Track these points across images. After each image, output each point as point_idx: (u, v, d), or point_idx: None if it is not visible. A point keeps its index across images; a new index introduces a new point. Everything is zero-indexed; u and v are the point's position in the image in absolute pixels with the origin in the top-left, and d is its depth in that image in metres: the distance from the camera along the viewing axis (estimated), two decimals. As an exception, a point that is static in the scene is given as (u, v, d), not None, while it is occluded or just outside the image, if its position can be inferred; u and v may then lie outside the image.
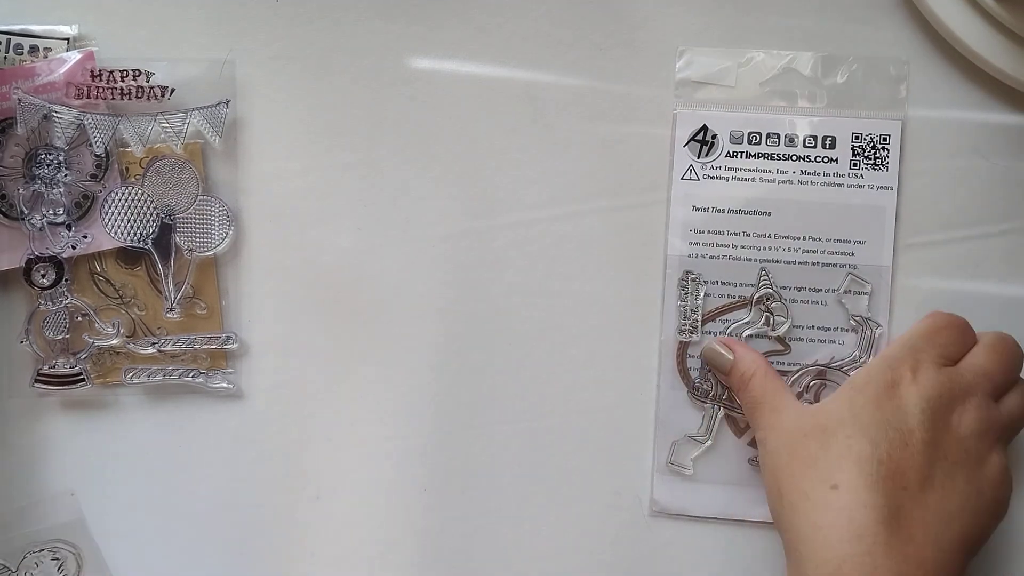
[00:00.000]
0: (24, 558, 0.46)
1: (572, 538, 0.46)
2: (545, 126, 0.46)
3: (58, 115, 0.45)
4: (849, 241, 0.45)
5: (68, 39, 0.46)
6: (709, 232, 0.45)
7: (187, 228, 0.46)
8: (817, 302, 0.45)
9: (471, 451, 0.47)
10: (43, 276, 0.46)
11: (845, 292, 0.45)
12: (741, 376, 0.43)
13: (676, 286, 0.46)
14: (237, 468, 0.47)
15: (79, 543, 0.47)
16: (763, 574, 0.46)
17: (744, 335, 0.45)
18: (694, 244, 0.46)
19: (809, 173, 0.45)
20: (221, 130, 0.46)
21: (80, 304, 0.46)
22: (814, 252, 0.45)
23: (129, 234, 0.46)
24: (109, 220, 0.46)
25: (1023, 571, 0.45)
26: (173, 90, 0.46)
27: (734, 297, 0.46)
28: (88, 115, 0.45)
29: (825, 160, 0.45)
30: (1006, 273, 0.45)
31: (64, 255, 0.46)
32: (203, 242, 0.46)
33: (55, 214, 0.46)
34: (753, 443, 0.45)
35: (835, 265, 0.45)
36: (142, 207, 0.46)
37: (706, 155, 0.46)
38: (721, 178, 0.46)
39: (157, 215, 0.46)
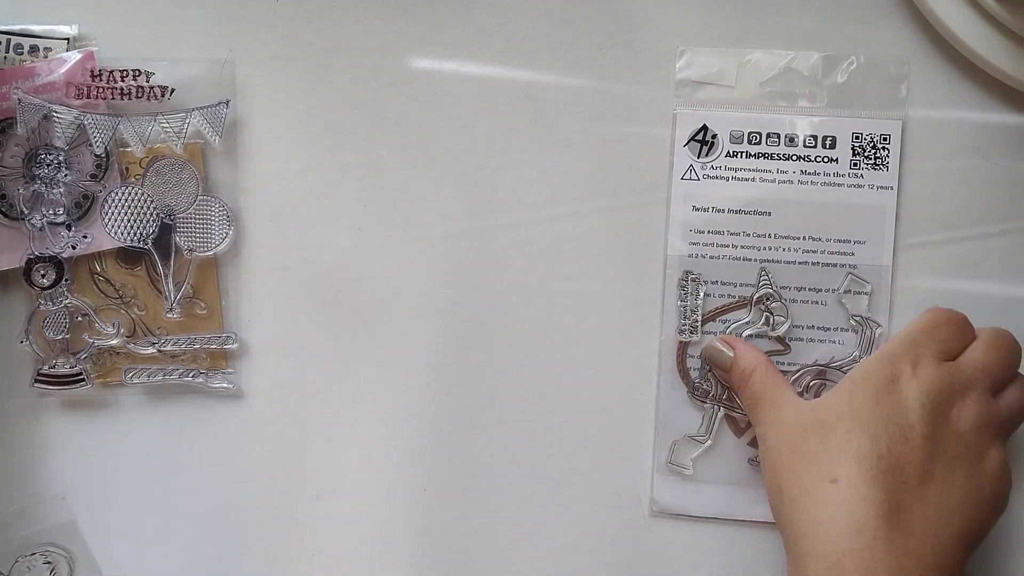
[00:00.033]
0: (16, 562, 0.46)
1: (572, 538, 0.46)
2: (545, 126, 0.46)
3: (58, 115, 0.45)
4: (849, 241, 0.45)
5: (68, 39, 0.46)
6: (709, 232, 0.45)
7: (187, 228, 0.46)
8: (817, 302, 0.45)
9: (471, 451, 0.47)
10: (43, 276, 0.46)
11: (845, 292, 0.45)
12: (742, 373, 0.43)
13: (676, 286, 0.46)
14: (237, 468, 0.47)
15: (71, 546, 0.47)
16: (763, 574, 0.46)
17: (744, 335, 0.45)
18: (694, 244, 0.46)
19: (809, 173, 0.45)
20: (221, 130, 0.46)
21: (80, 304, 0.46)
22: (814, 252, 0.45)
23: (129, 234, 0.46)
24: (109, 220, 0.46)
25: (1023, 566, 0.45)
26: (173, 90, 0.46)
27: (734, 297, 0.46)
28: (88, 115, 0.45)
29: (825, 160, 0.45)
30: (1006, 273, 0.45)
31: (64, 255, 0.46)
32: (203, 242, 0.46)
33: (55, 214, 0.46)
34: (753, 443, 0.45)
35: (835, 265, 0.45)
36: (142, 207, 0.46)
37: (706, 155, 0.46)
38: (721, 178, 0.46)
39: (157, 215, 0.46)
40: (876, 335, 0.45)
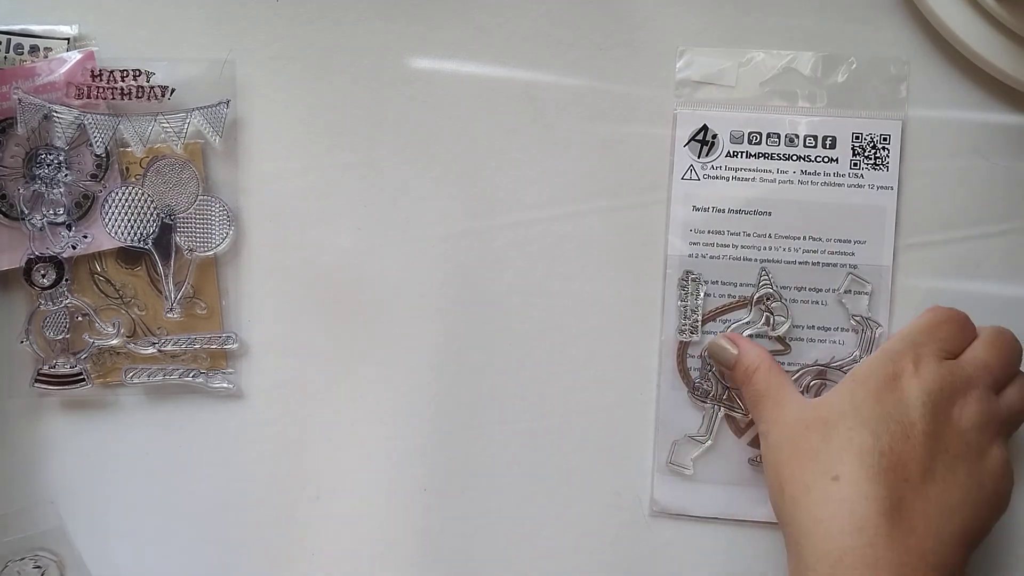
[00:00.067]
0: (6, 567, 0.46)
1: (572, 538, 0.46)
2: (545, 126, 0.46)
3: (58, 115, 0.45)
4: (849, 241, 0.45)
5: (68, 39, 0.46)
6: (709, 232, 0.45)
7: (187, 228, 0.46)
8: (817, 302, 0.45)
9: (471, 451, 0.47)
10: (43, 276, 0.46)
11: (845, 292, 0.45)
12: (745, 370, 0.43)
13: (676, 286, 0.46)
14: (237, 468, 0.47)
15: (60, 551, 0.47)
16: (764, 574, 0.46)
17: (744, 335, 0.45)
18: (694, 244, 0.46)
19: (809, 173, 0.45)
20: (221, 130, 0.46)
21: (80, 304, 0.46)
22: (814, 252, 0.45)
23: (129, 234, 0.46)
24: (109, 220, 0.46)
25: (1023, 565, 0.45)
26: (173, 90, 0.46)
27: (734, 297, 0.46)
28: (88, 115, 0.45)
29: (825, 160, 0.45)
30: (1006, 273, 0.45)
31: (64, 255, 0.46)
32: (203, 242, 0.46)
33: (55, 214, 0.46)
34: (753, 443, 0.45)
35: (835, 265, 0.45)
36: (142, 207, 0.46)
37: (706, 155, 0.46)
38: (721, 178, 0.46)
39: (157, 215, 0.46)
40: (876, 335, 0.45)
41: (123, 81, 0.45)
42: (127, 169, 0.46)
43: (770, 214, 0.45)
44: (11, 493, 0.47)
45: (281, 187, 0.47)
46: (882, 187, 0.45)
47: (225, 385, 0.47)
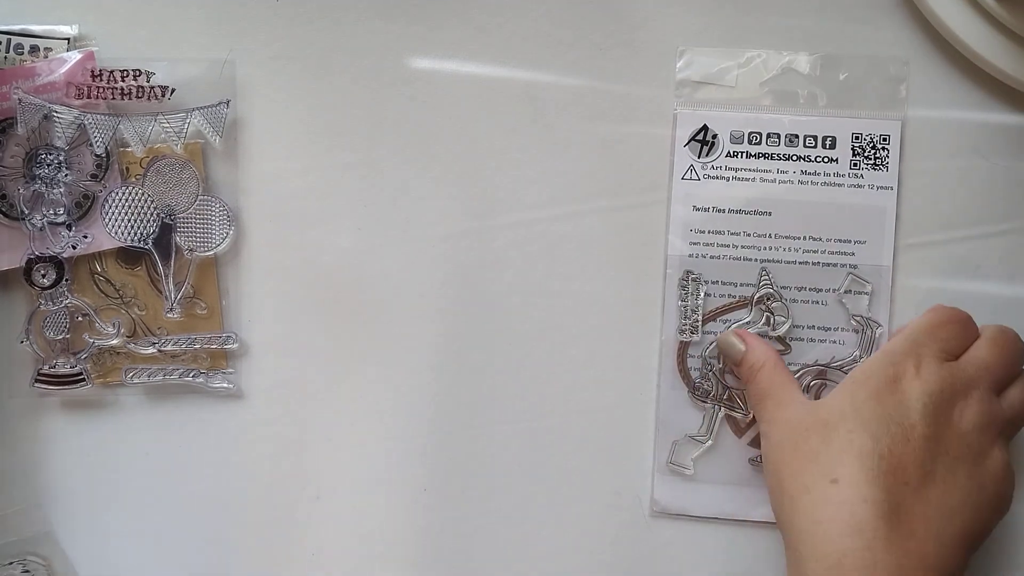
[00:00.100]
0: None
1: (572, 538, 0.46)
2: (545, 126, 0.46)
3: (58, 115, 0.45)
4: (849, 241, 0.45)
5: (68, 39, 0.46)
6: (709, 232, 0.45)
7: (187, 228, 0.46)
8: (817, 302, 0.45)
9: (471, 451, 0.47)
10: (43, 276, 0.46)
11: (845, 292, 0.45)
12: (751, 367, 0.43)
13: (676, 286, 0.46)
14: (237, 468, 0.47)
15: (49, 555, 0.46)
16: (764, 574, 0.46)
17: (744, 335, 0.45)
18: (694, 244, 0.46)
19: (809, 173, 0.45)
20: (221, 130, 0.46)
21: (80, 304, 0.46)
22: (814, 252, 0.45)
23: (129, 234, 0.46)
24: (109, 220, 0.46)
25: (1023, 566, 0.45)
26: (173, 90, 0.46)
27: (734, 297, 0.46)
28: (88, 115, 0.45)
29: (825, 160, 0.45)
30: (1006, 273, 0.45)
31: (64, 255, 0.46)
32: (203, 242, 0.46)
33: (55, 214, 0.46)
34: (754, 443, 0.45)
35: (835, 265, 0.45)
36: (142, 207, 0.46)
37: (706, 155, 0.46)
38: (721, 178, 0.46)
39: (157, 215, 0.46)
40: (876, 335, 0.45)
41: (123, 81, 0.45)
42: (127, 169, 0.46)
43: (770, 214, 0.45)
44: (12, 493, 0.47)
45: (281, 187, 0.47)
46: (882, 187, 0.45)
47: (225, 385, 0.47)
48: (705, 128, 0.46)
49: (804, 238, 0.45)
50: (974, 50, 0.44)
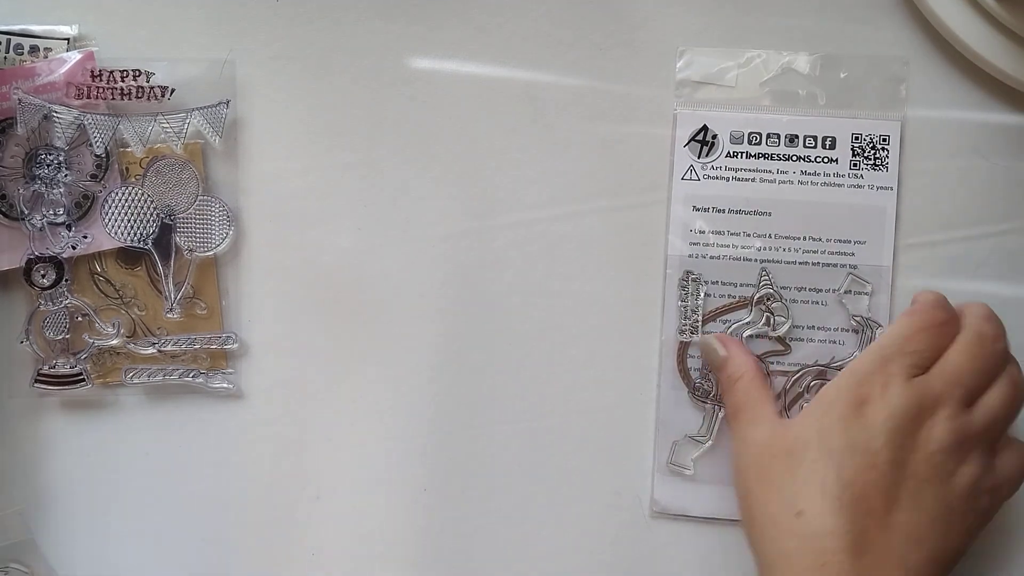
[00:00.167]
0: None
1: (572, 538, 0.46)
2: (545, 126, 0.46)
3: (58, 115, 0.45)
4: (849, 241, 0.45)
5: (68, 39, 0.46)
6: (709, 232, 0.45)
7: (187, 228, 0.46)
8: (817, 302, 0.45)
9: (471, 451, 0.47)
10: (43, 276, 0.46)
11: (845, 292, 0.45)
12: (729, 377, 0.43)
13: (676, 286, 0.46)
14: (237, 468, 0.47)
15: (31, 563, 0.46)
16: (763, 574, 0.46)
17: (744, 335, 0.45)
18: (694, 244, 0.46)
19: (809, 173, 0.45)
20: (221, 130, 0.46)
21: (80, 304, 0.46)
22: (814, 252, 0.45)
23: (129, 234, 0.46)
24: (109, 220, 0.46)
25: (1023, 566, 0.45)
26: (173, 90, 0.46)
27: (734, 297, 0.46)
28: (88, 115, 0.45)
29: (825, 160, 0.45)
30: (1006, 273, 0.45)
31: (64, 255, 0.46)
32: (203, 242, 0.46)
33: (55, 214, 0.46)
34: (753, 443, 0.45)
35: (835, 265, 0.45)
36: (142, 207, 0.46)
37: (706, 155, 0.46)
38: (721, 178, 0.46)
39: (157, 215, 0.46)
40: (876, 335, 0.45)
41: (123, 81, 0.45)
42: (127, 169, 0.46)
43: (770, 214, 0.45)
44: (12, 493, 0.47)
45: (281, 187, 0.47)
46: (882, 187, 0.45)
47: (225, 385, 0.47)
48: (705, 128, 0.46)
49: (804, 238, 0.45)
50: (974, 50, 0.44)
